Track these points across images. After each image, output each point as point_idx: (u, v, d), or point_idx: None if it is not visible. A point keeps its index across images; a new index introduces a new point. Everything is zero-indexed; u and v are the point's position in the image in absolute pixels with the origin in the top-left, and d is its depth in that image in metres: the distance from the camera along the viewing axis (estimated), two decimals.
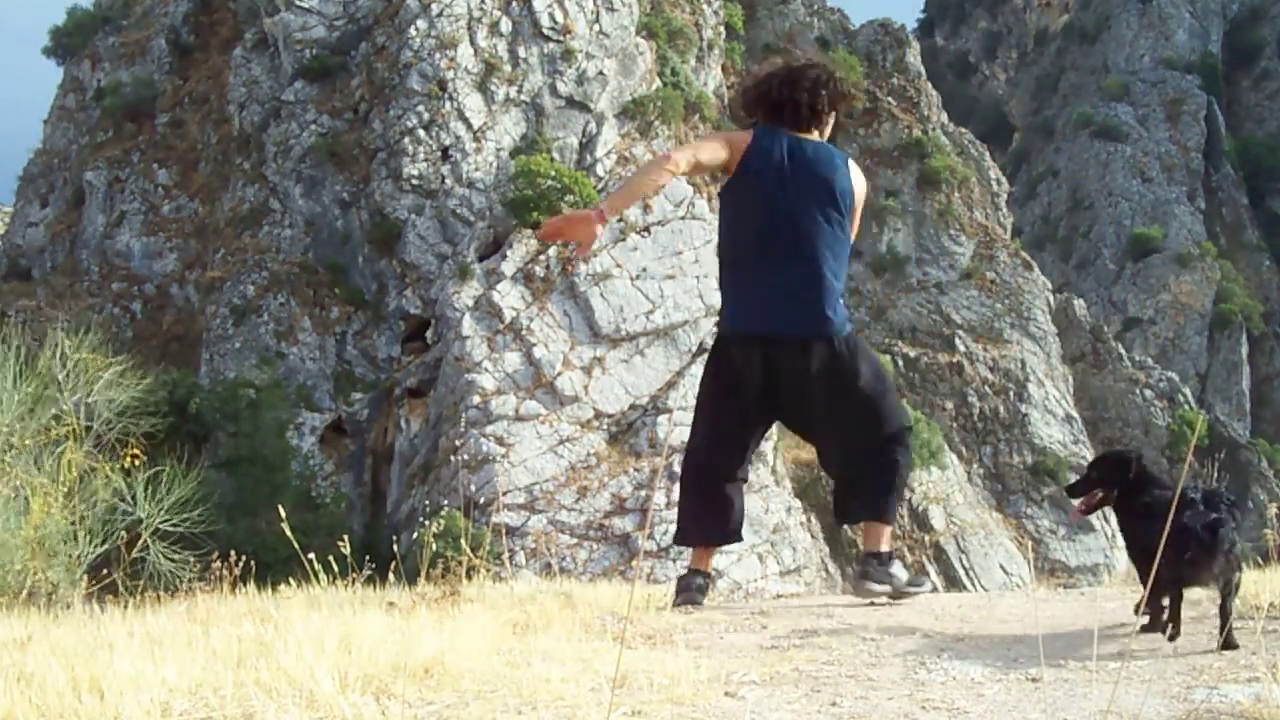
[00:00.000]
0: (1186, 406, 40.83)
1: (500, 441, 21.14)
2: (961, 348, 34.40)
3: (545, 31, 26.91)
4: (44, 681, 2.72)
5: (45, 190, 33.35)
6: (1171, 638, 3.44)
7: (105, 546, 9.36)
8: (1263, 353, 55.06)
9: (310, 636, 3.17)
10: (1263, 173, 62.52)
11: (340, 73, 28.15)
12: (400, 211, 25.57)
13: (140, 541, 9.78)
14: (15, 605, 6.65)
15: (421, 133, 25.62)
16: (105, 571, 8.41)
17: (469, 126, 25.81)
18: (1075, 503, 4.02)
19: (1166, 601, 3.50)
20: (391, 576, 4.72)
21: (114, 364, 12.02)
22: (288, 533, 4.14)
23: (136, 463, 9.93)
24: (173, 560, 10.68)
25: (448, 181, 25.47)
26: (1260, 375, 53.94)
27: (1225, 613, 3.36)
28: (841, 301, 4.40)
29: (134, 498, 10.03)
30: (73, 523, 9.17)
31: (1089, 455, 30.70)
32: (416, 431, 23.50)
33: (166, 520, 10.24)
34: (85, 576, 8.51)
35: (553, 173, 24.24)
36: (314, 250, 26.94)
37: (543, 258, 23.88)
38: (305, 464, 23.58)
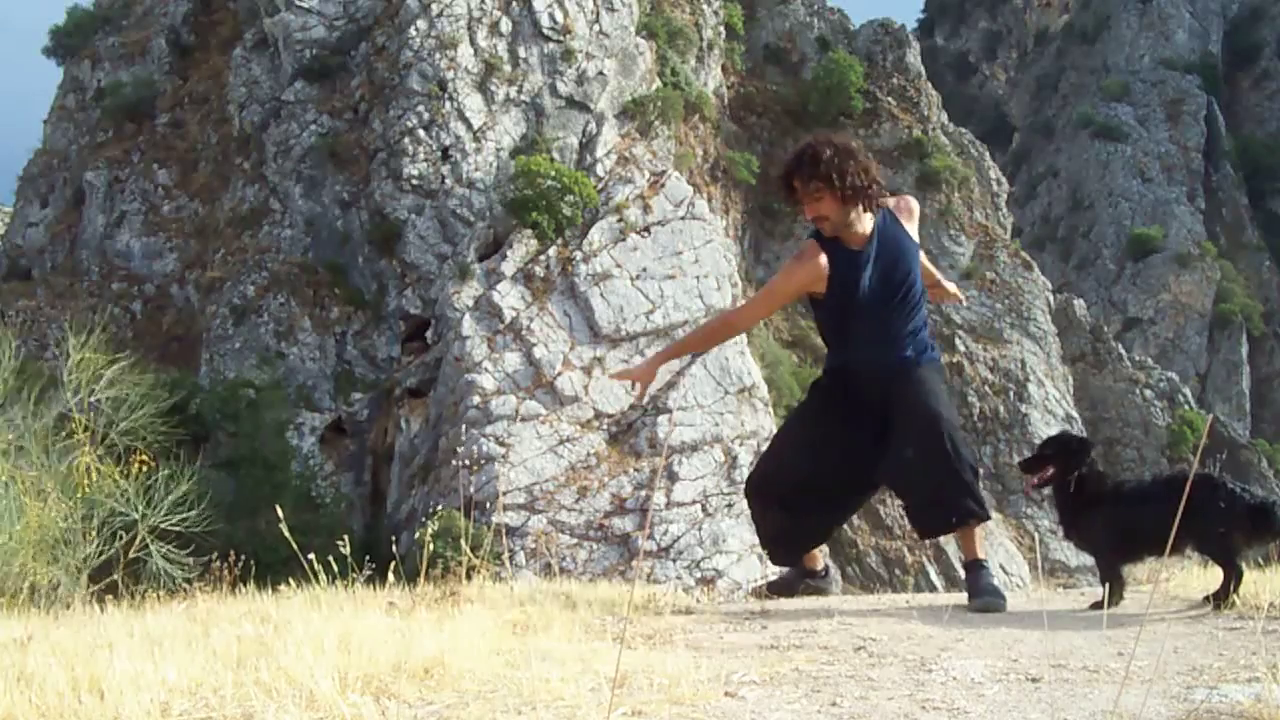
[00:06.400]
0: (1186, 406, 40.75)
1: (500, 441, 21.13)
2: (961, 348, 34.38)
3: (545, 31, 26.91)
4: (44, 681, 2.72)
5: (45, 190, 33.31)
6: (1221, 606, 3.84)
7: (106, 548, 9.32)
8: (1263, 353, 55.01)
9: (310, 636, 3.17)
10: (1263, 173, 62.44)
11: (340, 73, 28.15)
12: (400, 211, 25.56)
13: (138, 541, 9.73)
14: (15, 605, 6.65)
15: (421, 133, 25.62)
16: (107, 572, 8.39)
17: (469, 126, 25.80)
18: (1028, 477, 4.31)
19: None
20: (391, 576, 4.71)
21: (118, 359, 11.96)
22: (287, 533, 4.14)
23: (144, 469, 9.87)
24: (172, 561, 10.65)
25: (448, 181, 25.46)
26: (1260, 375, 53.89)
27: (1240, 575, 3.84)
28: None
29: (130, 501, 9.98)
30: (71, 521, 9.14)
31: None
32: (416, 431, 23.49)
33: (166, 520, 10.19)
34: (86, 577, 8.50)
35: (553, 173, 24.24)
36: (314, 250, 26.93)
37: (543, 258, 23.88)
38: (305, 464, 23.57)
